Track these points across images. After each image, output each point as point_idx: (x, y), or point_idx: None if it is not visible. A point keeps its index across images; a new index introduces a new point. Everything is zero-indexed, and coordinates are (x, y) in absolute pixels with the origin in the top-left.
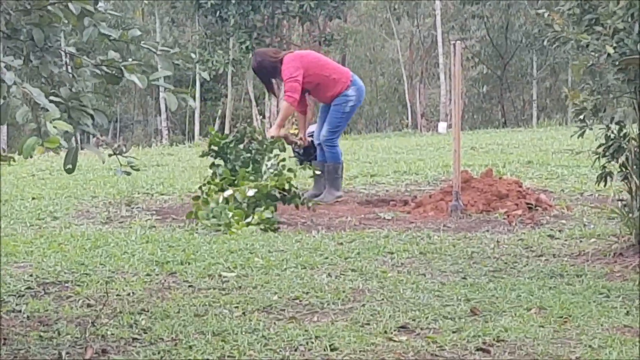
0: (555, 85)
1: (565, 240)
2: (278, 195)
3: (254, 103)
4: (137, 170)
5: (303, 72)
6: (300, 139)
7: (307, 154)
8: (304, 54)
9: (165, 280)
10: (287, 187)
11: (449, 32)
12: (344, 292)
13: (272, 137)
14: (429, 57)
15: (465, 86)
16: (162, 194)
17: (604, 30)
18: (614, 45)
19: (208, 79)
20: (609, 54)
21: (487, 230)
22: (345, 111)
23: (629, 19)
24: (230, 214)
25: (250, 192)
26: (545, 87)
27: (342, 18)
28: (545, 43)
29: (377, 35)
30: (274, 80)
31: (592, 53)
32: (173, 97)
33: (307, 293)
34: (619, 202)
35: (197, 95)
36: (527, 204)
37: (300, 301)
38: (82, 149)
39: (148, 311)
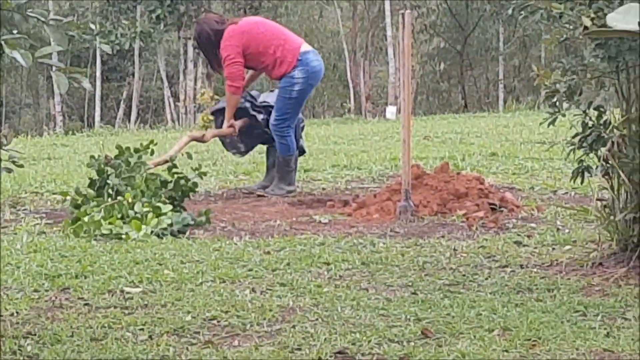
0: (525, 62)
1: (535, 247)
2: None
3: (166, 84)
4: (21, 167)
5: (242, 51)
6: (231, 126)
7: (251, 138)
8: (246, 28)
9: (56, 298)
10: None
11: None
12: (270, 310)
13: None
14: (376, 28)
15: (419, 63)
16: (54, 194)
17: None
18: (592, 16)
19: (110, 52)
20: (585, 27)
21: (443, 236)
22: (292, 97)
23: None
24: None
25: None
26: (514, 65)
27: None
28: (510, 12)
29: (314, 2)
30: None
31: (566, 25)
32: (63, 78)
33: (226, 312)
34: (599, 203)
35: (98, 74)
36: (490, 204)
37: (218, 322)
38: None
39: (35, 335)
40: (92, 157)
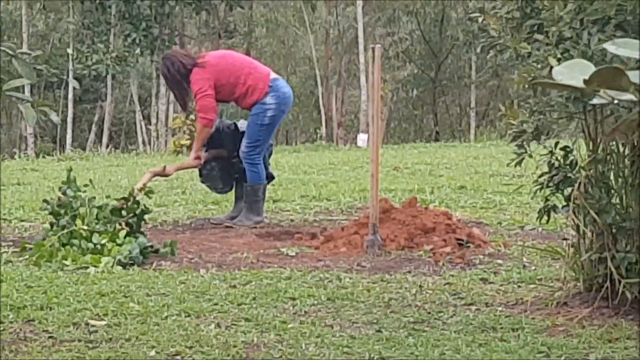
0: (498, 90)
1: (501, 285)
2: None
3: (138, 107)
4: None
5: (214, 83)
6: (198, 157)
7: (226, 172)
8: (214, 62)
9: (20, 330)
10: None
11: (375, 23)
12: (235, 346)
13: (166, 174)
14: (351, 53)
15: (391, 91)
16: (22, 221)
17: (547, 40)
18: (559, 56)
19: (77, 87)
20: (552, 67)
21: (409, 272)
22: (264, 123)
23: (578, 25)
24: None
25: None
26: (487, 91)
27: (244, 7)
28: (478, 50)
29: (290, 26)
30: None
31: (534, 64)
32: (31, 111)
33: (190, 347)
34: (564, 242)
35: (71, 95)
36: (457, 239)
37: (182, 357)
38: None
39: None
40: (44, 200)
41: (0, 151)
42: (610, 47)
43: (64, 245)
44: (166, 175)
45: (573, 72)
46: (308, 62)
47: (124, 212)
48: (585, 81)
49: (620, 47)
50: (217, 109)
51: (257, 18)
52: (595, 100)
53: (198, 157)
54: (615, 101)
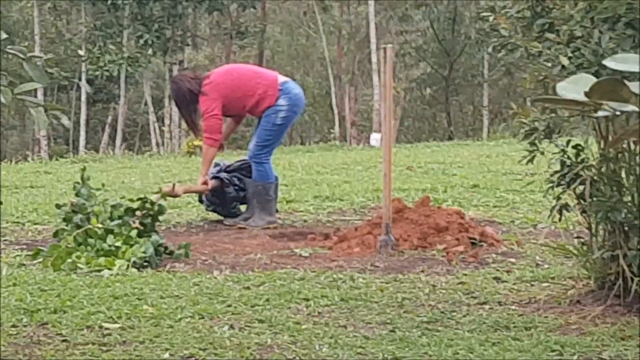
0: (510, 87)
1: (514, 283)
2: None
3: (151, 108)
4: None
5: (222, 102)
6: (205, 183)
7: (223, 200)
8: (220, 80)
9: (34, 333)
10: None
11: (388, 21)
12: (248, 348)
13: (172, 194)
14: (362, 52)
15: (405, 90)
16: (36, 224)
17: (558, 38)
18: (570, 55)
19: (89, 90)
20: (563, 66)
21: (422, 271)
22: (276, 123)
23: (589, 24)
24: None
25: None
26: (500, 89)
27: (256, 8)
28: (489, 50)
29: (302, 26)
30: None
31: (545, 63)
32: (43, 115)
33: (204, 349)
34: (576, 240)
35: (83, 97)
36: (470, 238)
37: (195, 359)
38: None
39: None
40: (57, 205)
41: (0, 154)
42: (609, 63)
43: (79, 245)
44: (175, 196)
45: (577, 87)
46: (323, 62)
47: (138, 212)
48: (586, 93)
49: (619, 62)
50: (222, 130)
51: (269, 18)
52: (600, 113)
53: (205, 183)
54: (618, 113)
